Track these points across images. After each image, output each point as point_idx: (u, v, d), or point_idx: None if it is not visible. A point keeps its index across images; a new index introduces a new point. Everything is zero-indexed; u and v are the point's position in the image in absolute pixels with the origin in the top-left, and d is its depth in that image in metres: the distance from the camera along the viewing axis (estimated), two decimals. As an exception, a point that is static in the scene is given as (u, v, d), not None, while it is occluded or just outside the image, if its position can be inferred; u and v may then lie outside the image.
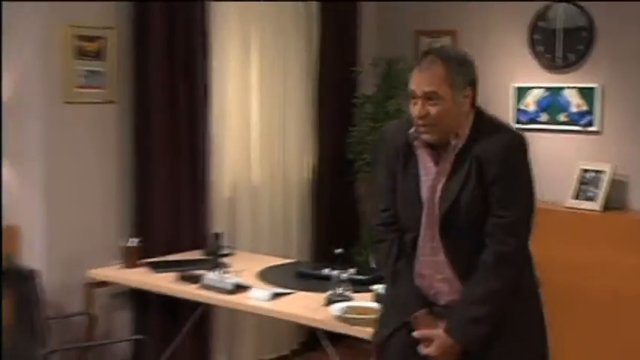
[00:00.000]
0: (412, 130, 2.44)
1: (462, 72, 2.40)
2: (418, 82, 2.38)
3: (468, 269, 2.41)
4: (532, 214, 2.48)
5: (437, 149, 2.44)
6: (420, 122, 2.38)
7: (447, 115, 2.37)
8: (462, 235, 2.40)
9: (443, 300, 2.48)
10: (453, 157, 2.40)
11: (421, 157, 2.46)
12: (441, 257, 2.44)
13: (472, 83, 2.43)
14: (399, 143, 2.49)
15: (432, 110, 2.36)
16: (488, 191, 2.36)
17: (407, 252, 2.51)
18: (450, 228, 2.41)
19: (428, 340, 2.45)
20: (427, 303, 2.49)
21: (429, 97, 2.36)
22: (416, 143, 2.45)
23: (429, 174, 2.45)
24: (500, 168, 2.37)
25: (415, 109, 2.38)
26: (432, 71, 2.36)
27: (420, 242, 2.47)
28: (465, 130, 2.41)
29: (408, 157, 2.48)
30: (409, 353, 2.51)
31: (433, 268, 2.46)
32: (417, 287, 2.50)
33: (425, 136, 2.40)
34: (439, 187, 2.42)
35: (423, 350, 2.46)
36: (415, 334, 2.47)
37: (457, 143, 2.40)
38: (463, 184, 2.37)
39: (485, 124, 2.44)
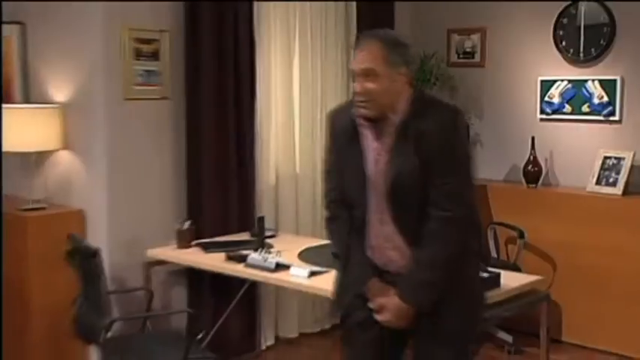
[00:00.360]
0: (354, 109, 2.47)
1: (398, 52, 2.41)
2: (357, 61, 2.42)
3: (416, 237, 2.44)
4: (471, 182, 2.50)
5: (379, 126, 2.46)
6: (359, 98, 2.42)
7: (383, 91, 2.40)
8: (408, 206, 2.44)
9: (394, 268, 2.52)
10: (393, 133, 2.43)
11: (364, 134, 2.48)
12: (390, 228, 2.47)
13: (408, 63, 2.45)
14: (344, 123, 2.52)
15: (370, 86, 2.39)
16: (430, 163, 2.39)
17: (357, 226, 2.54)
18: (396, 200, 2.44)
19: (382, 308, 2.49)
20: (379, 272, 2.53)
21: (366, 74, 2.39)
22: (359, 121, 2.47)
23: (373, 150, 2.47)
24: (439, 140, 2.39)
25: (354, 86, 2.43)
26: (369, 50, 2.39)
27: (369, 215, 2.49)
28: (402, 106, 2.43)
29: (353, 135, 2.49)
30: (369, 324, 2.54)
31: (383, 239, 2.50)
32: (368, 258, 2.54)
33: (363, 111, 2.43)
34: (383, 161, 2.45)
35: (378, 318, 2.49)
36: (371, 305, 2.51)
37: (395, 118, 2.42)
38: (406, 158, 2.40)
39: (423, 101, 2.46)
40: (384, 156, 2.46)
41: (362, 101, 2.43)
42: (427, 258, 2.44)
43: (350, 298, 2.59)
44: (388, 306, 2.49)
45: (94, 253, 3.29)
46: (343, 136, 2.53)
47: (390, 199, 2.46)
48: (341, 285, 2.65)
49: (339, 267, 2.67)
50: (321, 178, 2.70)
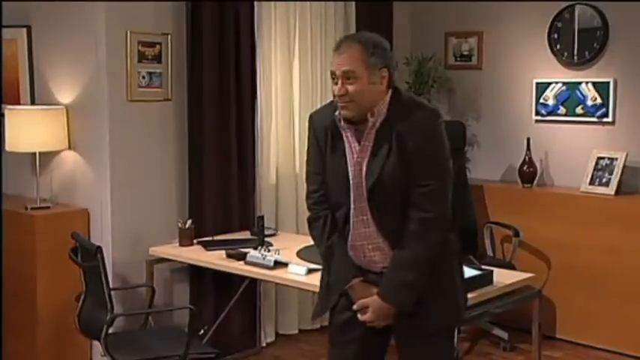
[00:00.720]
0: (337, 112, 2.46)
1: (377, 54, 2.40)
2: (337, 63, 2.39)
3: (397, 238, 2.44)
4: (450, 182, 2.48)
5: (360, 128, 2.44)
6: (340, 100, 2.40)
7: (363, 93, 2.38)
8: (389, 207, 2.43)
9: (376, 268, 2.51)
10: (373, 134, 2.41)
11: (347, 136, 2.46)
12: (372, 229, 2.46)
13: (388, 65, 2.43)
14: (327, 125, 2.50)
15: (350, 88, 2.37)
16: (410, 164, 2.38)
17: (339, 227, 2.52)
18: (377, 201, 2.43)
19: (365, 308, 2.48)
20: (361, 272, 2.52)
21: (347, 76, 2.37)
22: (341, 123, 2.46)
23: (354, 152, 2.45)
24: (419, 141, 2.38)
25: (335, 89, 2.41)
26: (349, 53, 2.38)
27: (352, 217, 2.48)
28: (382, 108, 2.42)
29: (335, 137, 2.48)
30: (352, 323, 2.53)
31: (365, 239, 2.49)
32: (350, 258, 2.52)
33: (344, 112, 2.41)
34: (364, 163, 2.43)
35: (361, 317, 2.49)
36: (354, 307, 2.50)
37: (375, 120, 2.41)
38: (386, 159, 2.39)
39: (402, 102, 2.44)
40: (364, 157, 2.44)
41: (343, 102, 2.41)
42: (408, 259, 2.43)
43: (334, 297, 2.57)
44: (370, 306, 2.48)
45: (96, 251, 3.30)
46: (325, 137, 2.51)
47: (372, 201, 2.44)
48: (325, 285, 2.62)
49: (323, 267, 2.65)
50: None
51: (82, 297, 3.52)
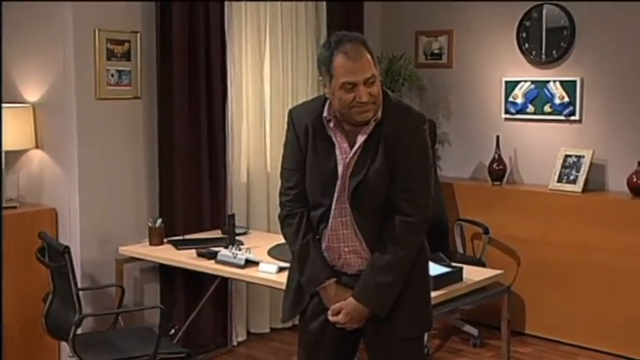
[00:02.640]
0: (326, 114, 2.40)
1: (374, 52, 2.37)
2: (356, 71, 2.28)
3: (376, 240, 2.40)
4: (432, 187, 2.46)
5: (348, 129, 2.40)
6: (363, 106, 2.31)
7: (379, 92, 2.35)
8: (372, 209, 2.40)
9: (351, 270, 2.46)
10: (365, 135, 2.36)
11: (337, 138, 2.40)
12: (351, 231, 2.42)
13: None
14: (308, 123, 2.43)
15: (373, 91, 2.31)
16: (395, 167, 2.35)
17: (314, 227, 2.47)
18: (359, 203, 2.38)
19: (338, 310, 2.43)
20: (335, 273, 2.47)
21: (370, 81, 2.30)
22: (332, 126, 2.39)
23: (342, 152, 2.39)
24: (405, 145, 2.36)
25: (361, 96, 2.29)
26: (364, 57, 2.30)
27: (331, 218, 2.42)
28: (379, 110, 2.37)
29: (317, 136, 2.41)
30: (323, 325, 2.48)
31: (342, 241, 2.44)
32: (325, 259, 2.46)
33: (365, 115, 2.33)
34: (351, 164, 2.38)
35: (332, 319, 2.44)
36: (329, 312, 2.45)
37: (376, 119, 2.36)
38: (372, 161, 2.35)
39: (392, 104, 2.41)
40: (352, 158, 2.39)
41: (367, 105, 2.32)
42: (387, 262, 2.38)
43: (306, 298, 2.51)
44: (344, 308, 2.42)
45: (64, 251, 3.24)
46: (306, 135, 2.44)
47: (354, 202, 2.40)
48: (296, 285, 2.54)
49: (293, 266, 2.57)
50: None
51: (50, 297, 3.46)
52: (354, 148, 2.39)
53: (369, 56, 2.32)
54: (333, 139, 2.41)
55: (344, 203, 2.41)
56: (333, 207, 2.42)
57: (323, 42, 2.44)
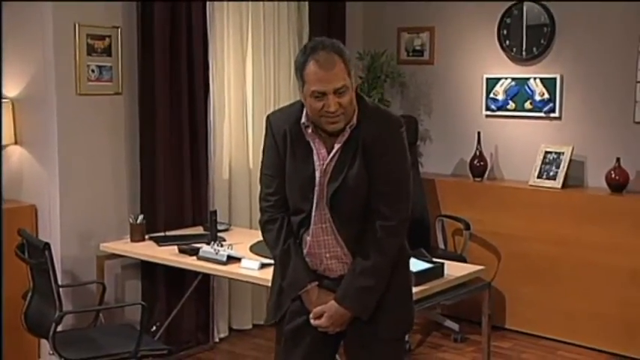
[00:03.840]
0: (304, 120, 2.38)
1: (350, 61, 2.34)
2: (327, 80, 2.26)
3: (357, 245, 2.39)
4: (410, 190, 2.44)
5: (325, 136, 2.38)
6: (332, 115, 2.30)
7: (351, 102, 2.33)
8: (351, 214, 2.38)
9: (333, 275, 2.44)
10: (342, 141, 2.35)
11: (315, 144, 2.38)
12: (331, 237, 2.40)
13: (353, 71, 2.37)
14: (287, 128, 2.40)
15: (343, 101, 2.30)
16: (372, 171, 2.35)
17: (295, 232, 2.44)
18: (339, 209, 2.36)
19: (320, 314, 2.41)
20: (317, 277, 2.44)
21: (339, 91, 2.28)
22: (310, 132, 2.38)
23: (320, 158, 2.38)
24: (383, 149, 2.35)
25: (329, 105, 2.28)
26: (336, 67, 2.28)
27: (312, 224, 2.40)
28: (353, 116, 2.36)
29: (296, 142, 2.39)
30: (304, 328, 2.46)
31: (323, 247, 2.42)
32: (307, 263, 2.44)
33: (334, 126, 2.32)
34: (329, 170, 2.37)
35: (314, 322, 2.42)
36: (311, 315, 2.42)
37: (351, 126, 2.35)
38: (350, 167, 2.35)
39: (367, 108, 2.39)
40: (330, 164, 2.37)
41: (336, 116, 2.30)
42: (369, 266, 2.36)
43: (287, 302, 2.48)
44: (327, 311, 2.40)
45: (44, 248, 3.19)
46: (284, 141, 2.41)
47: (333, 208, 2.37)
48: (278, 289, 2.51)
49: (276, 271, 2.54)
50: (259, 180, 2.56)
51: (30, 294, 3.41)
52: (331, 155, 2.37)
53: (342, 65, 2.29)
54: (311, 144, 2.39)
55: (324, 209, 2.39)
56: (313, 213, 2.40)
57: (303, 45, 2.41)
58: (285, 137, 2.41)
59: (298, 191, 2.41)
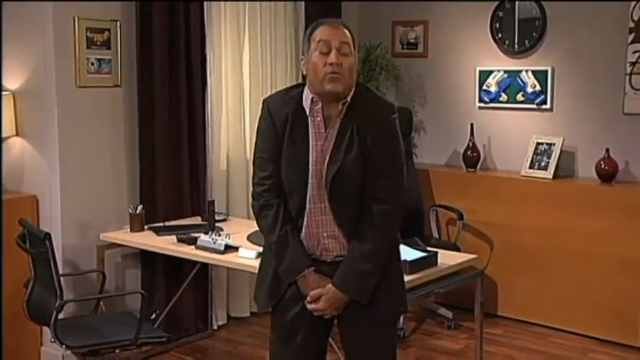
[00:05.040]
0: (305, 93, 2.41)
1: (354, 40, 2.40)
2: (333, 33, 2.34)
3: (352, 227, 2.39)
4: (404, 174, 2.45)
5: (326, 115, 2.39)
6: (332, 71, 2.31)
7: (352, 70, 2.35)
8: (348, 196, 2.38)
9: (329, 257, 2.43)
10: (339, 123, 2.37)
11: (315, 122, 2.39)
12: (329, 216, 2.39)
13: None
14: (288, 111, 2.40)
15: (345, 61, 2.33)
16: (367, 155, 2.35)
17: (292, 215, 2.42)
18: (337, 190, 2.36)
19: (317, 298, 2.40)
20: (314, 262, 2.42)
21: (343, 49, 2.33)
22: (317, 107, 2.38)
23: (317, 138, 2.38)
24: (378, 133, 2.36)
25: (331, 57, 2.31)
26: (343, 30, 2.36)
27: (309, 204, 2.39)
28: (351, 95, 2.38)
29: (296, 124, 2.39)
30: (299, 312, 2.45)
31: (321, 227, 2.41)
32: (304, 248, 2.42)
33: (334, 85, 2.32)
34: (328, 151, 2.37)
35: (311, 306, 2.41)
36: (308, 298, 2.41)
37: (343, 107, 2.37)
38: (348, 149, 2.35)
39: (364, 94, 2.42)
40: (329, 146, 2.37)
41: (336, 72, 2.32)
42: (367, 250, 2.37)
43: (283, 288, 2.46)
44: (324, 295, 2.39)
45: (45, 238, 3.20)
46: (285, 124, 2.40)
47: (331, 189, 2.37)
48: (273, 274, 2.48)
49: (268, 256, 2.51)
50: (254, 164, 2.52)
51: (31, 283, 3.42)
52: (325, 134, 2.38)
53: (348, 34, 2.37)
54: (310, 126, 2.39)
55: (321, 189, 2.39)
56: (310, 193, 2.39)
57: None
58: (286, 120, 2.40)
59: (297, 173, 2.39)
